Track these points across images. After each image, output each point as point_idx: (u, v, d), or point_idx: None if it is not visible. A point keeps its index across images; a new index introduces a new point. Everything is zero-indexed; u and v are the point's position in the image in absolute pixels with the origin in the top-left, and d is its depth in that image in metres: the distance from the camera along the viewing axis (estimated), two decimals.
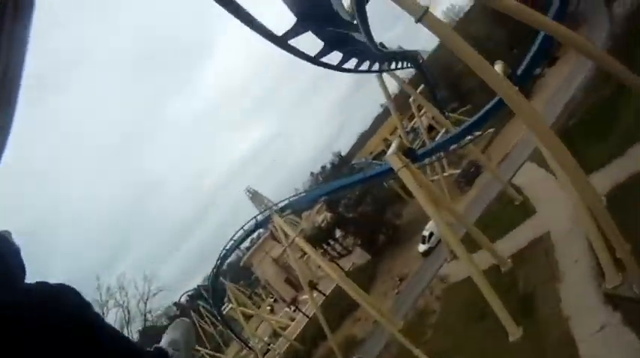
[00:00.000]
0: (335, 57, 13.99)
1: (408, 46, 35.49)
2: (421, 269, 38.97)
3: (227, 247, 35.87)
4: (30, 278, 1.21)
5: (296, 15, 8.44)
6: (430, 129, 50.05)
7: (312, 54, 11.83)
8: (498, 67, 18.91)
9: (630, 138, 20.00)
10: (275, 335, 57.07)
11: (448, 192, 41.49)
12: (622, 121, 22.45)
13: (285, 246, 31.29)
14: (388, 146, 61.40)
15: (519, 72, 20.04)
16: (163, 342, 2.03)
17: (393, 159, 21.02)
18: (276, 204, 33.67)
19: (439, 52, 77.62)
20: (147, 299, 47.76)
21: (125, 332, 34.17)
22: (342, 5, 10.45)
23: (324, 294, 48.74)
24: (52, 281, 1.25)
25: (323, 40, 11.52)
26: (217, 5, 5.57)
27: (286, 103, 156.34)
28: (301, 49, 10.50)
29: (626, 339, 12.97)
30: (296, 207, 34.86)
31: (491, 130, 44.29)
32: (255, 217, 33.75)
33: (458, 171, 48.14)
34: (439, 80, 51.52)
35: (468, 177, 46.57)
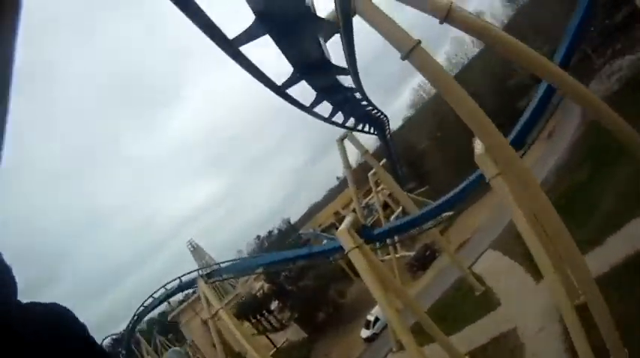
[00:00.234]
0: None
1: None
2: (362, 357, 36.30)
3: (145, 304, 31.45)
4: None
5: (293, 65, 8.72)
6: (385, 206, 48.04)
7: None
8: (478, 142, 16.42)
9: (610, 225, 19.15)
10: None
11: (399, 275, 38.37)
12: (600, 207, 21.56)
13: (208, 317, 27.03)
14: (339, 220, 58.71)
15: (511, 137, 17.35)
16: None
17: (345, 236, 17.74)
18: (205, 268, 29.49)
19: (403, 130, 78.97)
20: None
21: None
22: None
23: None
24: None
25: (315, 90, 11.68)
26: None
27: (247, 160, 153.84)
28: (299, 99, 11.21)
29: None
30: (230, 274, 30.85)
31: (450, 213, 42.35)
32: (180, 277, 29.67)
33: (411, 253, 45.17)
34: (401, 157, 49.92)
35: (422, 261, 43.83)
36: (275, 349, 49.71)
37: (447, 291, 32.28)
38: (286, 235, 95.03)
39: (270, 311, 57.32)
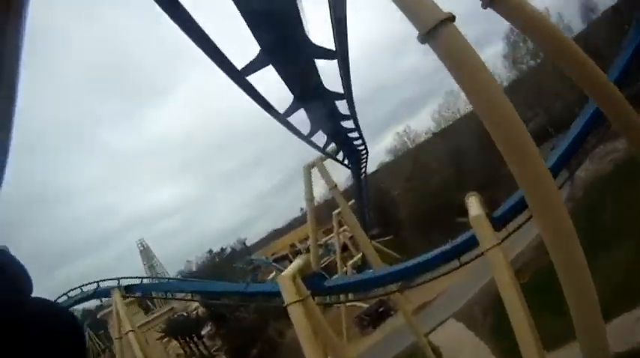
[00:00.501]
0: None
1: None
2: None
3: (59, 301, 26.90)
4: None
5: (294, 94, 9.08)
6: (344, 248, 44.90)
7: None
8: (473, 201, 13.48)
9: None
10: None
11: (347, 328, 34.76)
12: None
13: (119, 336, 23.64)
14: (293, 253, 55.16)
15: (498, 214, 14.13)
16: None
17: (287, 285, 14.35)
18: (121, 279, 25.70)
19: (378, 174, 77.00)
20: None
21: None
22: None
23: None
24: None
25: (311, 120, 12.18)
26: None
27: (218, 172, 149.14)
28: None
29: None
30: (153, 292, 26.94)
31: None
32: (98, 282, 26.13)
33: (364, 304, 41.56)
34: (371, 200, 47.12)
35: (374, 316, 40.09)
36: None
37: (397, 357, 29.51)
38: (239, 255, 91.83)
39: (200, 337, 52.68)
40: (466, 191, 53.18)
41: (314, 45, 7.50)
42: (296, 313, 13.96)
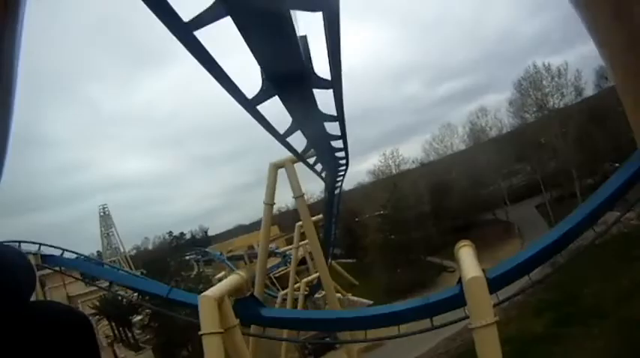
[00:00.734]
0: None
1: None
2: None
3: None
4: None
5: (291, 114, 9.37)
6: (302, 262, 41.90)
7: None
8: (466, 253, 10.63)
9: None
10: None
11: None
12: None
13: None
14: (250, 254, 51.80)
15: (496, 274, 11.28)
16: None
17: (208, 311, 11.20)
18: (43, 245, 22.60)
19: (352, 193, 74.51)
20: None
21: None
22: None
23: None
24: None
25: (307, 139, 12.22)
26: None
27: (197, 156, 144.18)
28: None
29: None
30: (72, 268, 23.79)
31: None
32: (19, 242, 23.11)
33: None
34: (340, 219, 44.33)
35: (316, 346, 36.71)
36: None
37: None
38: (197, 243, 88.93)
39: (130, 326, 48.89)
40: (440, 230, 51.41)
41: (315, 75, 7.70)
42: (211, 347, 10.87)
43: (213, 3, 4.20)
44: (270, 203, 21.21)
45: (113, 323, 49.88)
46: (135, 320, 48.49)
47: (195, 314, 12.09)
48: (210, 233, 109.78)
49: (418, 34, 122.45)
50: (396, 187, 56.98)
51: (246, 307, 13.27)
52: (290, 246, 41.82)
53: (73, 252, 24.34)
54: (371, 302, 42.56)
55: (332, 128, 12.90)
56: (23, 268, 1.13)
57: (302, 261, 42.71)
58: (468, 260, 10.68)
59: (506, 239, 50.22)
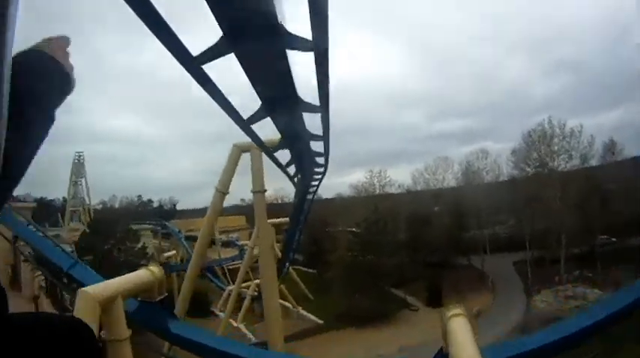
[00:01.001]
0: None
1: None
2: None
3: None
4: None
5: (281, 134, 9.74)
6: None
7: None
8: (460, 327, 7.38)
9: None
10: None
11: None
12: None
13: None
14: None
15: None
16: None
17: (84, 314, 7.68)
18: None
19: (327, 202, 71.94)
20: None
21: None
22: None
23: None
24: None
25: (292, 152, 12.03)
26: None
27: (190, 127, 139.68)
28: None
29: None
30: None
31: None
32: None
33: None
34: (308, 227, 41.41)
35: None
36: None
37: None
38: (162, 214, 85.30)
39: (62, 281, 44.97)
40: (412, 263, 48.07)
41: (304, 102, 7.46)
42: None
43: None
44: (222, 190, 17.92)
45: (46, 277, 45.85)
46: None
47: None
48: (180, 207, 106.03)
49: (432, 64, 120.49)
50: (375, 209, 54.07)
51: (147, 315, 9.88)
52: (247, 242, 38.35)
53: None
54: (321, 322, 39.41)
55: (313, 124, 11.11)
56: None
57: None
58: (461, 337, 7.42)
59: (478, 289, 47.62)
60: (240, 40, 4.62)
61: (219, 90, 5.61)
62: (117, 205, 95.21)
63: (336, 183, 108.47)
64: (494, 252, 55.07)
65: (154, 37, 3.59)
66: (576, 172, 53.42)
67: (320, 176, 17.77)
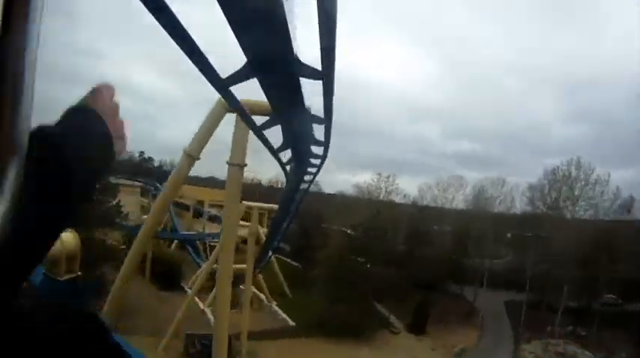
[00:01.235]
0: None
1: None
2: None
3: None
4: None
5: (274, 111, 8.93)
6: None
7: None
8: None
9: None
10: None
11: None
12: None
13: None
14: (197, 210, 46.06)
15: None
16: None
17: None
18: None
19: (329, 198, 69.97)
20: None
21: None
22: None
23: None
24: None
25: (285, 136, 10.75)
26: None
27: (213, 94, 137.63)
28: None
29: None
30: None
31: None
32: None
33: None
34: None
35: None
36: None
37: None
38: (160, 175, 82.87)
39: None
40: (401, 279, 45.49)
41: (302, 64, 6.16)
42: None
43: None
44: (191, 154, 15.02)
45: None
46: None
47: None
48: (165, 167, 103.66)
49: (456, 82, 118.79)
50: (376, 215, 51.34)
51: (50, 293, 7.12)
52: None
53: None
54: (293, 324, 36.39)
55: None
56: None
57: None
58: None
59: (465, 323, 44.94)
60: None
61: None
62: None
63: (339, 180, 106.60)
64: (488, 286, 52.12)
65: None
66: (589, 222, 51.11)
67: (318, 165, 14.87)
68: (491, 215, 57.46)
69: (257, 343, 30.67)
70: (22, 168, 0.60)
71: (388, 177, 60.30)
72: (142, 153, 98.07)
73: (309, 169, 15.54)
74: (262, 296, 38.93)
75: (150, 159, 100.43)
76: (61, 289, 7.74)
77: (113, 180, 41.16)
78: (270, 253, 33.44)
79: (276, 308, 38.69)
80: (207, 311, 32.59)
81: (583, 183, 50.28)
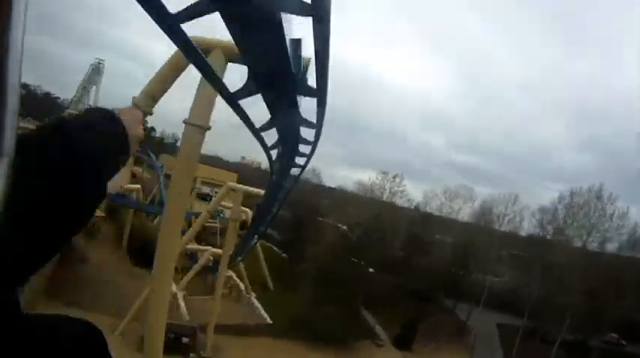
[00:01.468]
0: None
1: None
2: None
3: None
4: None
5: (271, 114, 8.68)
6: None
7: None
8: None
9: None
10: None
11: None
12: None
13: None
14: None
15: None
16: None
17: None
18: None
19: (330, 192, 70.78)
20: None
21: None
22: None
23: None
24: None
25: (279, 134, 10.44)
26: None
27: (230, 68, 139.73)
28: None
29: None
30: None
31: None
32: None
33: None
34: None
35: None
36: None
37: None
38: (159, 148, 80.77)
39: None
40: (395, 287, 42.40)
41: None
42: None
43: None
44: (140, 104, 12.14)
45: None
46: None
47: None
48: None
49: (472, 96, 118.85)
50: (377, 217, 48.86)
51: None
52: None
53: None
54: (270, 322, 33.40)
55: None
56: None
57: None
58: None
59: (456, 342, 42.32)
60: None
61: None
62: None
63: (340, 175, 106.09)
64: (483, 305, 49.20)
65: None
66: (599, 254, 48.74)
67: (308, 154, 12.04)
68: (498, 232, 54.83)
69: (225, 338, 27.97)
70: (9, 168, 0.59)
71: (395, 177, 57.30)
72: (145, 122, 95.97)
73: (297, 158, 12.80)
74: (242, 285, 36.04)
75: (152, 128, 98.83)
76: None
77: None
78: (253, 242, 30.49)
79: (255, 300, 35.77)
80: (180, 295, 29.98)
81: (601, 212, 47.27)
